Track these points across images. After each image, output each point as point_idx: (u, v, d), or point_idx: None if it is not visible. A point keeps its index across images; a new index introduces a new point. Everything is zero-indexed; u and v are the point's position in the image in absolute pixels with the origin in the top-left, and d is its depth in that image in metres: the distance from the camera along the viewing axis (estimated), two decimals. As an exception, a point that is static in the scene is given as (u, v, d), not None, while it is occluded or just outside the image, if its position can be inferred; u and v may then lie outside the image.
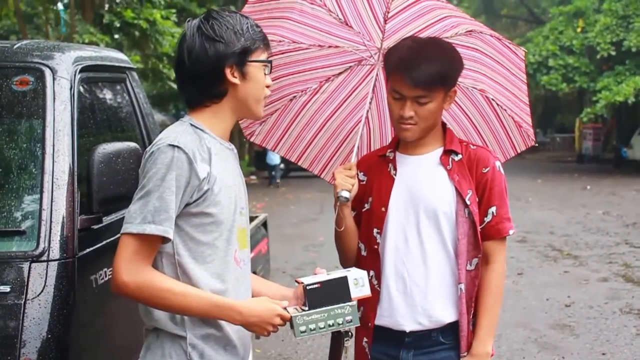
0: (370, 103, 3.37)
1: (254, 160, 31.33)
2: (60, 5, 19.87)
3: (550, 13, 34.40)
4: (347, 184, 2.96)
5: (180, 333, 2.47)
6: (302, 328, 2.54)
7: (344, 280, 2.60)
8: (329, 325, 2.57)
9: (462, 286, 2.95)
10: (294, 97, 3.47)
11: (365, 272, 2.68)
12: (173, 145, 2.38)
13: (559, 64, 28.79)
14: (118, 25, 17.24)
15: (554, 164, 34.21)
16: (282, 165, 29.68)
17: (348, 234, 3.10)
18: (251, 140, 3.58)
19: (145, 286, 2.38)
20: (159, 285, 2.39)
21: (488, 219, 2.97)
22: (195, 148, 2.42)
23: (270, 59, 2.65)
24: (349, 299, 2.59)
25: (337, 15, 3.22)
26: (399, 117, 2.93)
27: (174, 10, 19.05)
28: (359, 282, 2.62)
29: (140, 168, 2.47)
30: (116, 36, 18.28)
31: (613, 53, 27.11)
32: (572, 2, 31.26)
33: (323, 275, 2.65)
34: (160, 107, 33.52)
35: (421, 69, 2.83)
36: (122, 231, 2.40)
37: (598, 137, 34.58)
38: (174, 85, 19.83)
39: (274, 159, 26.90)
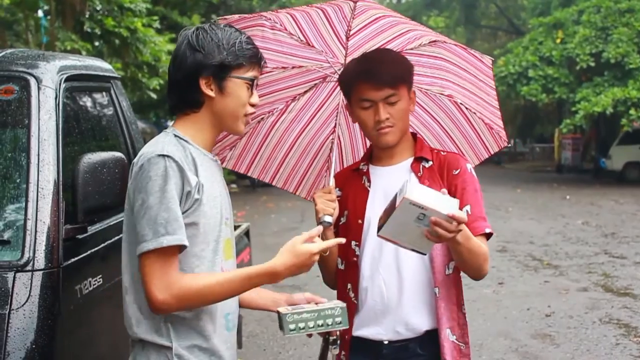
0: (337, 117, 3.39)
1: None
2: (40, 13, 19.76)
3: (529, 24, 34.55)
4: (329, 208, 2.97)
5: (166, 344, 2.46)
6: (292, 326, 2.58)
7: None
8: (319, 325, 2.59)
9: (437, 290, 2.96)
10: (262, 118, 3.46)
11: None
12: (163, 155, 2.38)
13: (538, 74, 28.89)
14: (99, 32, 17.18)
15: (533, 173, 34.36)
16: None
17: (332, 256, 3.11)
18: (223, 165, 3.51)
19: (183, 295, 2.37)
20: (194, 287, 2.39)
21: None
22: (182, 157, 2.43)
23: (252, 77, 2.62)
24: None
25: (298, 37, 3.22)
26: (375, 123, 2.95)
27: (156, 18, 18.98)
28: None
29: (130, 182, 2.45)
30: (97, 44, 18.20)
31: (592, 64, 27.26)
32: (552, 14, 31.46)
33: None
34: (141, 114, 33.36)
35: (382, 70, 2.90)
36: (138, 253, 2.37)
37: (577, 148, 34.74)
38: (153, 95, 19.79)
39: None
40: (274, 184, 3.59)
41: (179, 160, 2.40)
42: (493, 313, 8.73)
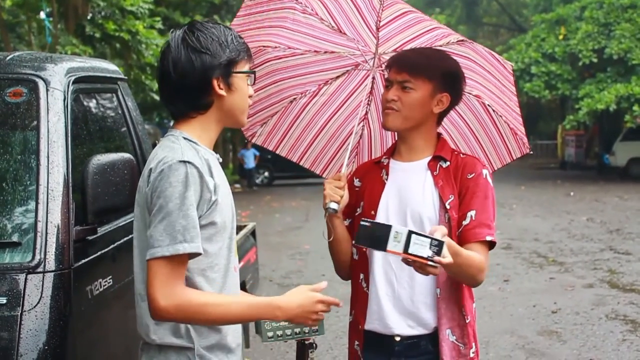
0: (369, 105, 3.42)
1: (238, 169, 31.37)
2: (42, 15, 19.78)
3: (532, 21, 34.54)
4: (336, 195, 2.99)
5: (187, 344, 2.47)
6: (270, 334, 2.65)
7: None
8: (296, 333, 2.66)
9: (439, 291, 2.97)
10: (294, 99, 3.52)
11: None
12: (184, 161, 2.37)
13: (541, 71, 28.89)
14: (99, 36, 17.20)
15: (537, 170, 34.30)
16: (266, 173, 29.99)
17: (339, 244, 3.13)
18: (252, 141, 3.64)
19: (185, 306, 2.36)
20: (196, 301, 2.38)
21: (466, 222, 2.94)
22: (199, 162, 2.42)
23: (253, 69, 2.66)
24: None
25: (330, 23, 3.28)
26: (384, 101, 3.02)
27: (158, 19, 19.00)
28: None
29: (149, 187, 2.41)
30: (98, 46, 18.22)
31: (595, 60, 27.25)
32: (554, 10, 31.45)
33: None
34: (144, 115, 33.41)
35: (407, 56, 3.01)
36: (150, 256, 2.34)
37: (580, 144, 34.71)
38: (156, 97, 19.81)
39: (249, 163, 28.52)
40: (301, 163, 3.65)
41: (199, 166, 2.39)
42: (499, 310, 8.74)
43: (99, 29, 17.14)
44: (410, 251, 2.48)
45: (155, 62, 18.45)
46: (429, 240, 2.52)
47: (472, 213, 2.95)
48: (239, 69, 2.56)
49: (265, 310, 2.48)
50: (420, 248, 2.50)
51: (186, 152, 2.41)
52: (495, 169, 3.44)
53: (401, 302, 3.00)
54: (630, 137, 28.93)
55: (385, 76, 3.11)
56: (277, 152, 3.63)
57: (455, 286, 3.01)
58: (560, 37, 29.45)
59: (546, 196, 22.75)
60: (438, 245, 2.53)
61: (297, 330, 2.65)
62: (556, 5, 32.51)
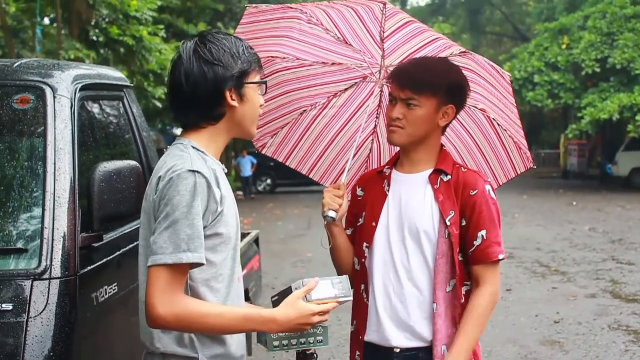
0: (377, 119, 3.42)
1: (238, 177, 31.44)
2: (46, 20, 19.83)
3: (535, 30, 34.60)
4: (335, 204, 3.01)
5: (191, 354, 2.46)
6: (276, 343, 2.63)
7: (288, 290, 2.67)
8: (301, 343, 2.65)
9: (435, 306, 2.95)
10: (304, 111, 3.53)
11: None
12: (193, 171, 2.36)
13: (544, 80, 28.92)
14: (103, 41, 17.24)
15: (539, 180, 34.27)
16: (269, 181, 30.05)
17: (340, 252, 3.15)
18: (263, 152, 3.64)
19: (183, 316, 2.36)
20: (196, 311, 2.38)
21: (477, 242, 2.93)
22: (208, 173, 2.42)
23: (264, 79, 2.67)
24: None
25: (335, 34, 3.28)
26: (389, 119, 3.00)
27: (162, 27, 19.05)
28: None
29: (157, 195, 2.41)
30: (102, 52, 18.26)
31: (598, 70, 27.28)
32: (558, 19, 31.49)
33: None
34: (147, 122, 33.47)
35: (412, 72, 2.95)
36: (152, 263, 2.34)
37: (583, 154, 34.70)
38: (159, 104, 19.81)
39: (245, 171, 28.81)
40: (311, 176, 3.65)
41: (208, 176, 2.39)
42: (502, 320, 8.72)
43: (103, 34, 17.18)
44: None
45: (158, 69, 18.49)
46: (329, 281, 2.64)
47: (484, 233, 2.93)
48: (250, 80, 2.56)
49: (261, 323, 2.49)
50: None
51: (195, 161, 2.41)
52: (501, 184, 3.42)
53: (397, 314, 2.99)
54: (633, 147, 28.92)
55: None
56: (288, 164, 3.64)
57: (456, 303, 2.98)
58: (564, 46, 29.48)
59: (548, 205, 22.74)
60: (341, 282, 2.65)
61: (303, 340, 2.65)
62: (559, 15, 32.58)
